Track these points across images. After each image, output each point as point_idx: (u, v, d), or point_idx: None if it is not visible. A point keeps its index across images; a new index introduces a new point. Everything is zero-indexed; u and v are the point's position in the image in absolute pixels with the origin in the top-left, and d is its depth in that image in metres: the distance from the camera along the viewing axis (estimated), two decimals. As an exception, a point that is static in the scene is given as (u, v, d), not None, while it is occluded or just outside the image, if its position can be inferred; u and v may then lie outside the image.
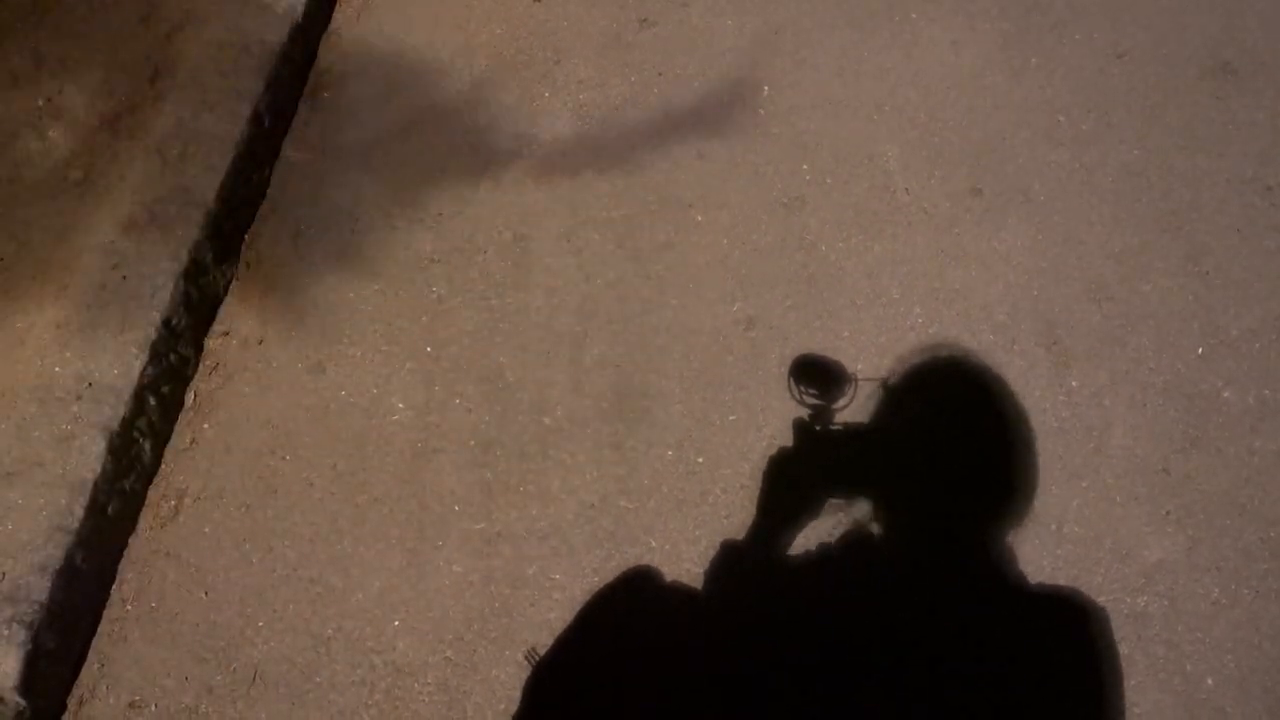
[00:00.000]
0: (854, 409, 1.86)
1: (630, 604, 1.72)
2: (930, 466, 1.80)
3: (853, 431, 1.84)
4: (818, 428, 1.85)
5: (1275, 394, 1.83)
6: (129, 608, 1.76)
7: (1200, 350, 1.90)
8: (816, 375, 1.92)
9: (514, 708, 1.61)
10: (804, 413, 1.87)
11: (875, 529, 1.73)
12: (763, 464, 1.82)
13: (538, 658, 1.65)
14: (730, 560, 1.73)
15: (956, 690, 1.58)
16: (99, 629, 1.74)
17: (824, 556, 1.70)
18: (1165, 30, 2.41)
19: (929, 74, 2.38)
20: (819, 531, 1.73)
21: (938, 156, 2.23)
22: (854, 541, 1.71)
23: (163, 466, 1.92)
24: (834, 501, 1.75)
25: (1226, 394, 1.84)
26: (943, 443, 1.82)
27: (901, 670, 1.60)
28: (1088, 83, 2.33)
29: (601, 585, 1.72)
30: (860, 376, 1.90)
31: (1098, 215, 2.10)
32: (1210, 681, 1.55)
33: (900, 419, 1.85)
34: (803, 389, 1.90)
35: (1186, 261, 2.02)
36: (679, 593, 1.71)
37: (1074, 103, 2.30)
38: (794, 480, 1.80)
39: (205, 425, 1.97)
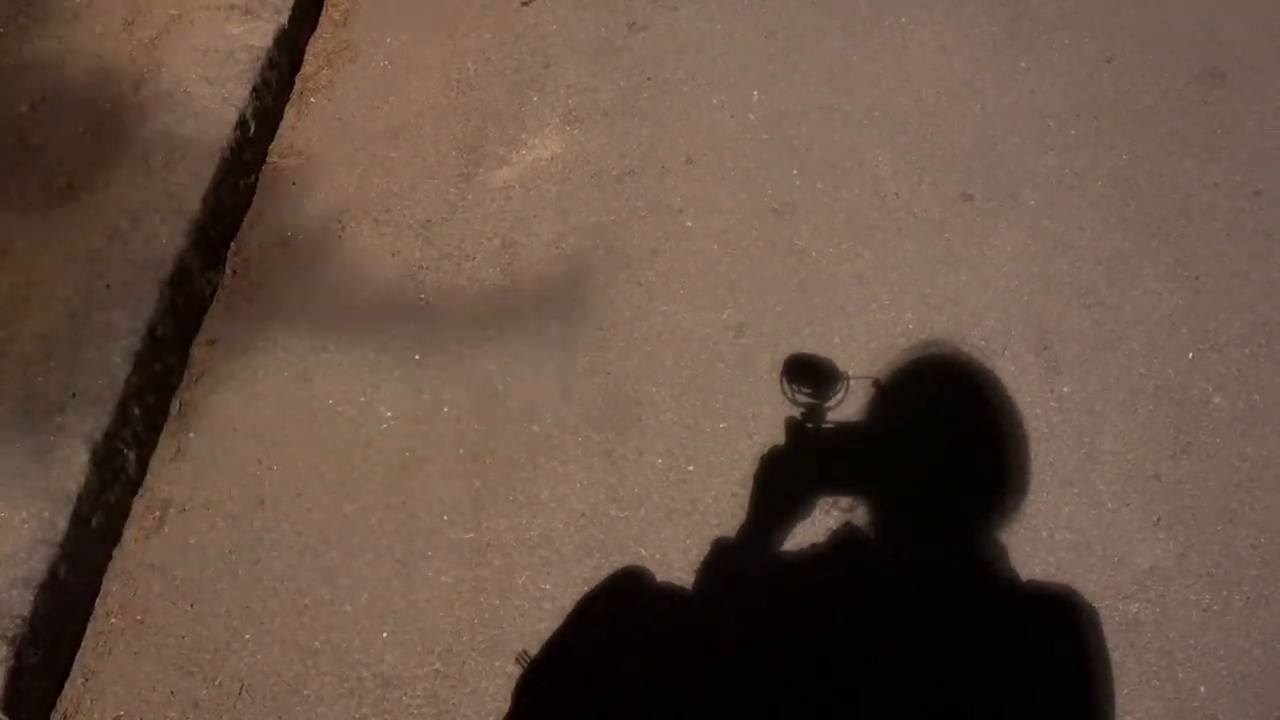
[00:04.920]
0: (846, 408, 1.85)
1: (622, 605, 1.71)
2: (922, 465, 1.80)
3: (845, 431, 1.83)
4: (810, 426, 1.85)
5: (1265, 399, 1.83)
6: (114, 621, 1.74)
7: (1190, 355, 1.90)
8: (809, 374, 1.91)
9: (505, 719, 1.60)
10: (796, 411, 1.87)
11: (867, 528, 1.73)
12: (753, 471, 1.81)
13: (529, 660, 1.64)
14: (722, 559, 1.72)
15: (949, 689, 1.57)
16: (83, 643, 1.71)
17: (815, 555, 1.70)
18: (1154, 36, 2.42)
19: (919, 79, 2.38)
20: (810, 530, 1.72)
21: (928, 162, 2.23)
22: (845, 540, 1.71)
23: (148, 477, 1.90)
24: (826, 500, 1.75)
25: (1217, 399, 1.84)
26: (935, 441, 1.82)
27: (893, 670, 1.59)
28: (1077, 88, 2.33)
29: (594, 587, 1.71)
30: (852, 375, 1.89)
31: (1087, 220, 2.10)
32: (1202, 689, 1.55)
33: (893, 418, 1.85)
34: (795, 388, 1.90)
35: (1176, 266, 2.02)
36: (671, 593, 1.70)
37: (1064, 108, 2.30)
38: (786, 479, 1.80)
39: (191, 435, 1.95)
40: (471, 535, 1.78)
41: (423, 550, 1.77)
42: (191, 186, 2.13)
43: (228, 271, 2.18)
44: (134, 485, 1.88)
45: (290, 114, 2.48)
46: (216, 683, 1.66)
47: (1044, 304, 1.98)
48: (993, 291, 2.01)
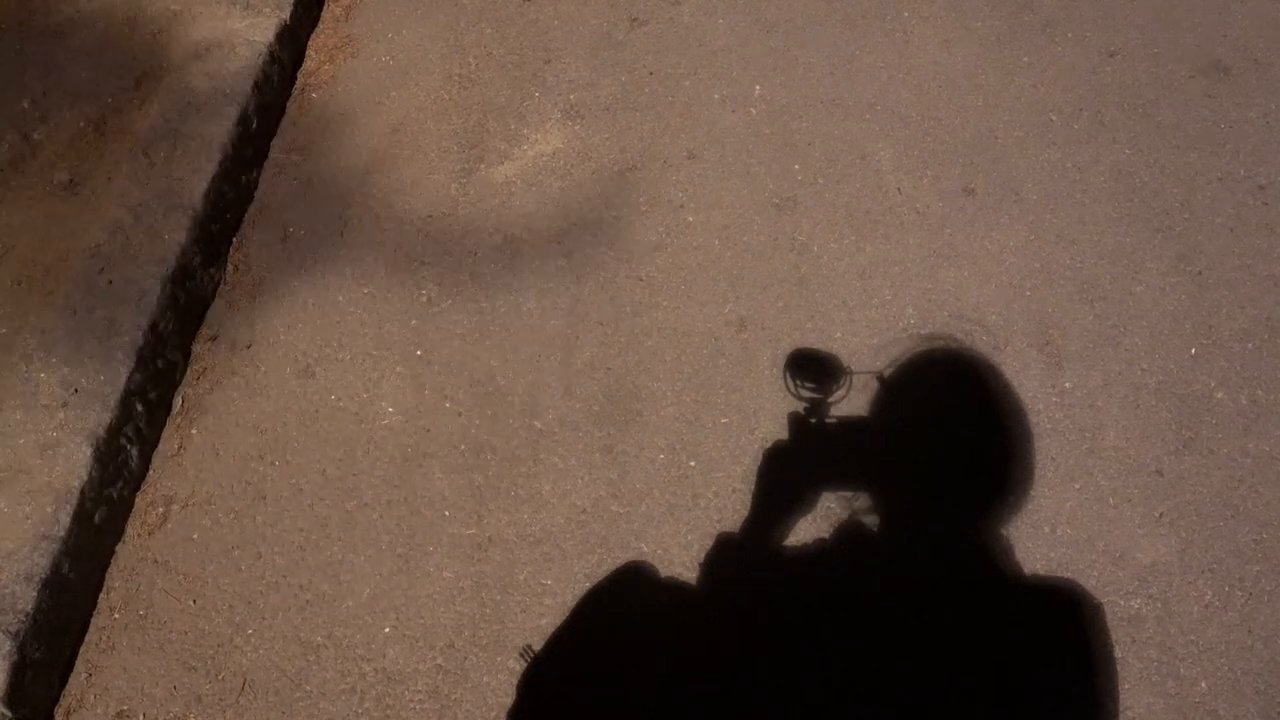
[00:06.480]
0: (849, 403, 1.85)
1: (624, 600, 1.72)
2: (925, 460, 1.80)
3: (847, 425, 1.83)
4: (812, 421, 1.85)
5: (1268, 395, 1.82)
6: (116, 616, 1.74)
7: (1193, 350, 1.89)
8: (812, 368, 1.91)
9: (505, 715, 1.60)
10: (799, 406, 1.87)
11: (869, 523, 1.73)
12: (755, 467, 1.81)
13: (533, 654, 1.64)
14: (724, 554, 1.72)
15: (952, 683, 1.57)
16: (86, 638, 1.72)
17: (818, 550, 1.70)
18: (1157, 29, 2.41)
19: (921, 73, 2.38)
20: (813, 525, 1.72)
21: (930, 156, 2.22)
22: (848, 535, 1.71)
23: (150, 473, 1.90)
24: (828, 495, 1.75)
25: (1219, 395, 1.83)
26: (937, 437, 1.82)
27: (896, 663, 1.59)
28: (1080, 81, 2.33)
29: (597, 581, 1.71)
30: (855, 369, 1.89)
31: (1090, 215, 2.10)
32: (1204, 685, 1.55)
33: (895, 413, 1.85)
34: (798, 382, 1.90)
35: (1179, 261, 2.01)
36: (672, 588, 1.70)
37: (1066, 102, 2.29)
38: (788, 474, 1.80)
39: (193, 431, 1.95)
40: (473, 531, 1.79)
41: (424, 546, 1.77)
42: (193, 182, 2.13)
43: (229, 267, 2.18)
44: (136, 481, 1.88)
45: (292, 109, 2.48)
46: (219, 678, 1.66)
47: (1046, 299, 1.98)
48: (995, 286, 2.01)
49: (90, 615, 1.74)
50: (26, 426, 1.79)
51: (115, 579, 1.79)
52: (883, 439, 1.82)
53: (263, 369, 2.02)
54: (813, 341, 1.96)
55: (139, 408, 1.88)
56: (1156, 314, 1.94)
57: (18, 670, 1.56)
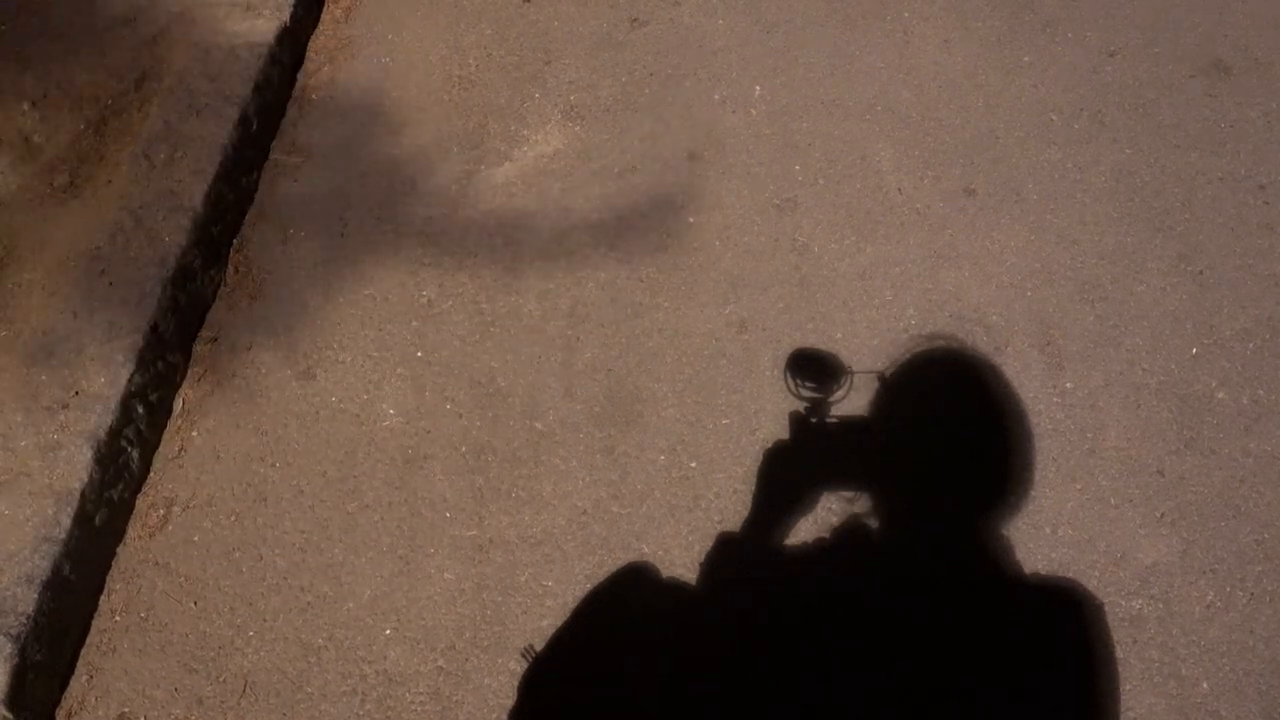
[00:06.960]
0: (849, 403, 1.85)
1: (624, 601, 1.72)
2: (926, 460, 1.79)
3: (848, 425, 1.83)
4: (814, 420, 1.85)
5: (1269, 395, 1.82)
6: (118, 618, 1.74)
7: (1194, 351, 1.89)
8: (812, 368, 1.91)
9: (507, 716, 1.60)
10: (800, 406, 1.87)
11: (870, 522, 1.72)
12: (756, 467, 1.81)
13: (534, 655, 1.64)
14: (725, 555, 1.72)
15: (954, 682, 1.57)
16: (87, 640, 1.72)
17: (819, 550, 1.69)
18: (1157, 28, 2.41)
19: (921, 73, 2.37)
20: (814, 525, 1.72)
21: (930, 156, 2.22)
22: (849, 535, 1.71)
23: (151, 475, 1.90)
24: (829, 495, 1.74)
25: (1220, 395, 1.83)
26: (938, 437, 1.82)
27: (898, 663, 1.59)
28: (1080, 81, 2.32)
29: (599, 581, 1.71)
30: (856, 369, 1.89)
31: (1091, 215, 2.10)
32: (1205, 685, 1.55)
33: (896, 413, 1.85)
34: (799, 382, 1.90)
35: (1180, 261, 2.01)
36: (673, 589, 1.70)
37: (1066, 102, 2.29)
38: (789, 473, 1.80)
39: (194, 433, 1.95)
40: (474, 532, 1.78)
41: (425, 547, 1.77)
42: (193, 184, 2.13)
43: (230, 269, 2.18)
44: (137, 483, 1.88)
45: (292, 111, 2.47)
46: (220, 680, 1.66)
47: (1047, 299, 1.98)
48: (995, 287, 2.00)
49: (91, 617, 1.74)
50: (27, 429, 1.79)
51: (116, 581, 1.79)
52: (883, 439, 1.82)
53: (263, 370, 2.02)
54: (813, 342, 1.96)
55: (140, 410, 1.88)
56: (1157, 314, 1.94)
57: (19, 672, 1.56)
